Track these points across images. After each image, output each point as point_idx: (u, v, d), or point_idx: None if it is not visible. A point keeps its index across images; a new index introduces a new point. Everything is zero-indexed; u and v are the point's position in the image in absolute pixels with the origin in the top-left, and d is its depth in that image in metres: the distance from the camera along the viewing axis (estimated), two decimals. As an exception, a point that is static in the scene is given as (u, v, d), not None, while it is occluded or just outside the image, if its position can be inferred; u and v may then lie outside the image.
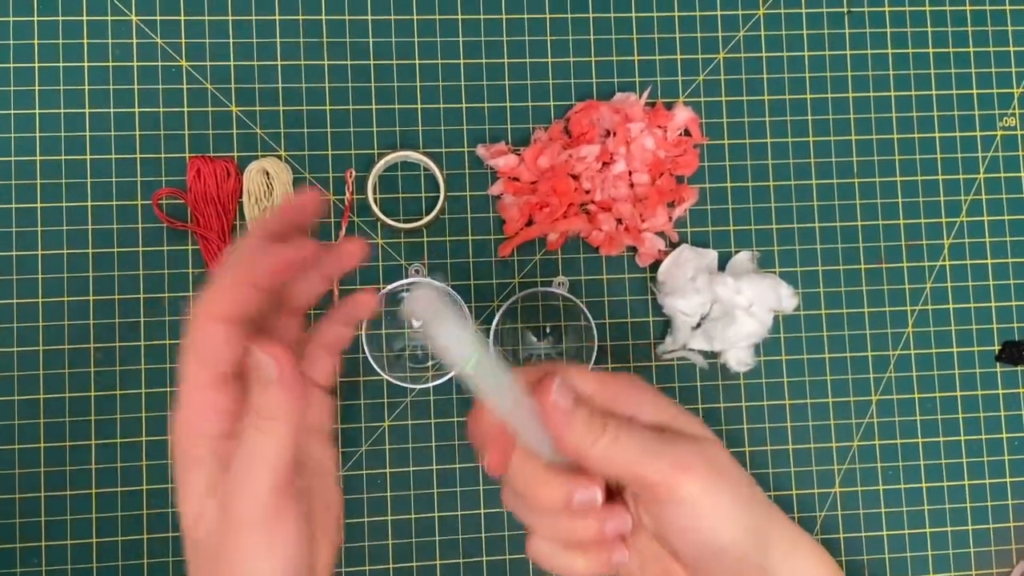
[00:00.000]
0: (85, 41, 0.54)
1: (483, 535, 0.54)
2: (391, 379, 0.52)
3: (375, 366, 0.52)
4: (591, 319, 0.54)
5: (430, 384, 0.53)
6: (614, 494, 0.35)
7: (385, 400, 0.54)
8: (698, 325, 0.55)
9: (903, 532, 0.56)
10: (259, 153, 0.54)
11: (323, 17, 0.55)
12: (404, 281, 0.53)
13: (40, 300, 0.53)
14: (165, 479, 0.53)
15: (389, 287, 0.53)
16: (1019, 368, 0.57)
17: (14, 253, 0.53)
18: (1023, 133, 0.59)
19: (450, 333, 0.28)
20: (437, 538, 0.54)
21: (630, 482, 0.33)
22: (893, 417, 0.56)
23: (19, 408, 0.52)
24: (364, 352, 0.52)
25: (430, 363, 0.54)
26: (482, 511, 0.54)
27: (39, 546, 0.52)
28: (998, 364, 0.57)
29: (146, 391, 0.53)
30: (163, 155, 0.54)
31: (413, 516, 0.54)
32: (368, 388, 0.54)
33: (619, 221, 0.55)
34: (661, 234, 0.55)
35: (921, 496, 0.56)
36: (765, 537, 0.34)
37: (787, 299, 0.55)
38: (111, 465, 0.52)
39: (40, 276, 0.53)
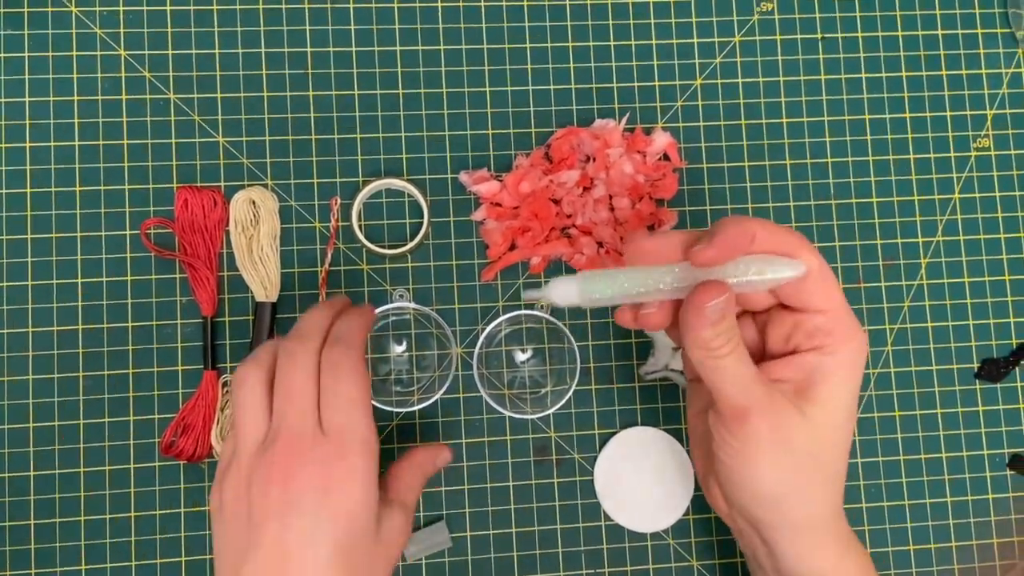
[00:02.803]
0: (75, 76, 0.55)
1: (469, 558, 0.54)
2: (377, 404, 0.53)
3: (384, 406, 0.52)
4: (573, 342, 0.54)
5: (415, 408, 0.54)
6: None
7: (371, 424, 0.55)
8: (678, 347, 0.55)
9: (887, 550, 0.56)
10: (245, 182, 0.55)
11: (308, 49, 0.57)
12: (389, 306, 0.54)
13: (30, 330, 0.53)
14: (154, 506, 0.53)
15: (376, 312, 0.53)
16: (999, 385, 0.58)
17: (4, 284, 0.54)
18: (997, 154, 0.60)
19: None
20: (424, 562, 0.54)
21: (711, 391, 0.39)
22: (875, 435, 0.57)
23: (8, 436, 0.53)
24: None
25: (415, 387, 0.55)
26: (468, 534, 0.54)
27: (28, 574, 0.52)
28: (977, 381, 0.58)
29: (134, 418, 0.53)
30: (151, 185, 0.55)
31: (400, 539, 0.54)
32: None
33: (600, 244, 0.56)
34: (642, 257, 0.56)
35: (904, 514, 0.57)
36: (786, 512, 0.41)
37: (767, 319, 0.55)
38: (100, 492, 0.53)
39: (30, 306, 0.54)
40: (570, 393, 0.54)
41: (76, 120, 0.55)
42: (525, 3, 0.58)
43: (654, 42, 0.59)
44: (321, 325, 0.42)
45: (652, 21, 0.59)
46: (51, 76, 0.55)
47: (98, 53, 0.56)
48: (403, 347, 0.55)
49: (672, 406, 0.56)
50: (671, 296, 0.39)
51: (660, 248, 0.38)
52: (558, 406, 0.54)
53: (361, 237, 0.55)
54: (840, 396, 0.39)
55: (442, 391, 0.53)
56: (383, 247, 0.55)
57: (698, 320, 0.37)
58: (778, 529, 0.42)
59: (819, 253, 0.38)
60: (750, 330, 0.42)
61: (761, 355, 0.42)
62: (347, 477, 0.38)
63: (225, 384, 0.54)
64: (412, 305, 0.54)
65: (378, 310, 0.53)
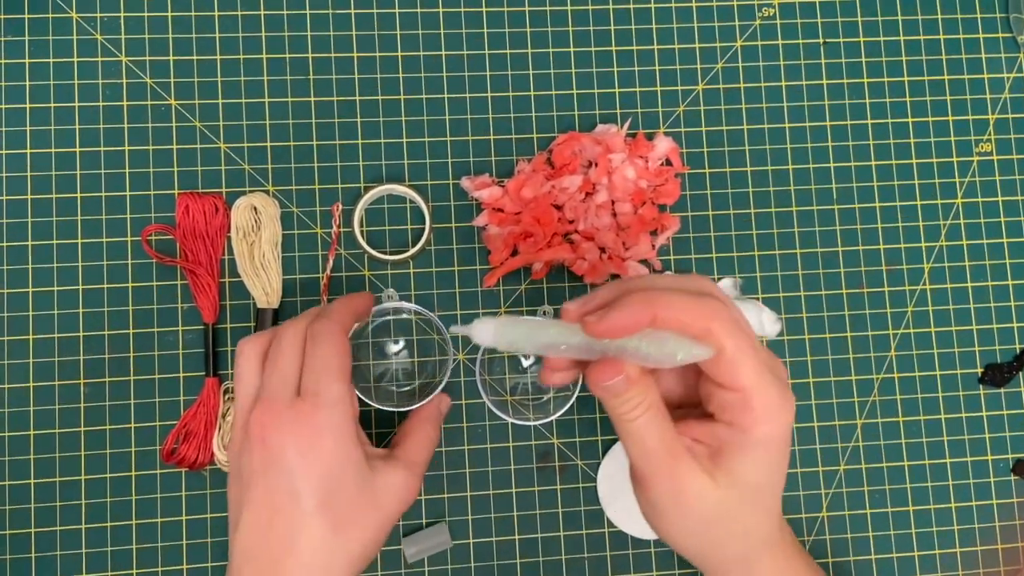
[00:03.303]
0: (76, 82, 0.55)
1: (472, 565, 0.54)
2: (381, 407, 0.53)
3: (362, 397, 0.52)
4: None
5: (417, 405, 0.52)
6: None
7: (374, 429, 0.55)
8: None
9: (891, 556, 0.56)
10: (247, 188, 0.55)
11: (309, 55, 0.56)
12: (383, 305, 0.53)
13: (30, 337, 0.53)
14: (155, 513, 0.53)
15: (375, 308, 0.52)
16: (1003, 390, 0.58)
17: (6, 291, 0.53)
18: (999, 158, 0.60)
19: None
20: (426, 569, 0.54)
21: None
22: (878, 440, 0.57)
23: (9, 443, 0.53)
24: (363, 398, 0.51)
25: (416, 383, 0.55)
26: (471, 541, 0.54)
27: (28, 582, 0.52)
28: (981, 386, 0.58)
29: (135, 425, 0.53)
30: (152, 192, 0.55)
31: (400, 546, 0.54)
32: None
33: (602, 250, 0.56)
34: (644, 262, 0.56)
35: (908, 519, 0.56)
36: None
37: (770, 324, 0.55)
38: (101, 500, 0.53)
39: (31, 313, 0.53)
40: (573, 399, 0.54)
41: (77, 126, 0.55)
42: (527, 8, 0.58)
43: (656, 47, 0.58)
44: (318, 309, 0.46)
45: (654, 26, 0.59)
46: (52, 82, 0.55)
47: (99, 59, 0.55)
48: (400, 346, 0.55)
49: (675, 412, 0.56)
50: (579, 356, 0.37)
51: (581, 309, 0.37)
52: (561, 412, 0.54)
53: (363, 243, 0.54)
54: (753, 472, 0.38)
55: (439, 389, 0.52)
56: (385, 253, 0.55)
57: (599, 393, 0.37)
58: (704, 569, 0.42)
59: (738, 327, 0.36)
60: (690, 372, 0.41)
61: (696, 401, 0.41)
62: (318, 433, 0.40)
63: (227, 391, 0.54)
64: (410, 306, 0.54)
65: (377, 307, 0.52)
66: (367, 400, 0.52)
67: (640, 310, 0.34)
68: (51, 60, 0.55)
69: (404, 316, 0.55)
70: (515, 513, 0.55)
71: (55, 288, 0.54)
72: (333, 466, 0.41)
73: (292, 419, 0.41)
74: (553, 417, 0.54)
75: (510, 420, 0.54)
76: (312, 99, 0.56)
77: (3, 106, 0.55)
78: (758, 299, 0.57)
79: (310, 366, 0.42)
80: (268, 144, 0.56)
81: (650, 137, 0.57)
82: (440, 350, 0.55)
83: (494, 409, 0.53)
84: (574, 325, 0.36)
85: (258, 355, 0.44)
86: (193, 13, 0.56)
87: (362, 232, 0.55)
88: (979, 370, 0.58)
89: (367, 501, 0.42)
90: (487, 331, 0.37)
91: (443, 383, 0.52)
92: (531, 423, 0.54)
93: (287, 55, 0.56)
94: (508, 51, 0.58)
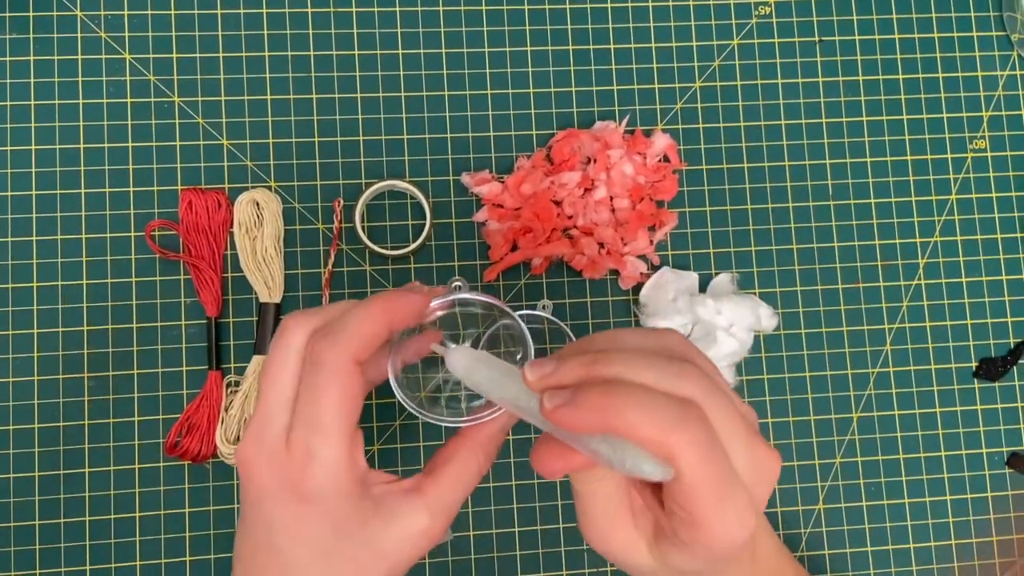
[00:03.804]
0: (80, 79, 0.56)
1: (472, 557, 0.54)
2: (423, 415, 0.39)
3: (411, 407, 0.38)
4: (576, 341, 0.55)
5: (469, 421, 0.38)
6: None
7: (374, 424, 0.55)
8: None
9: (887, 548, 0.57)
10: (249, 184, 0.56)
11: (311, 53, 0.57)
12: (446, 299, 0.40)
13: (35, 331, 0.54)
14: (158, 506, 0.53)
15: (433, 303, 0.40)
16: (997, 384, 0.58)
17: (10, 285, 0.54)
18: (993, 155, 0.60)
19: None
20: (427, 561, 0.54)
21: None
22: (874, 434, 0.57)
23: (13, 437, 0.53)
24: (399, 396, 0.39)
25: (466, 392, 0.42)
26: (471, 533, 0.55)
27: (33, 574, 0.52)
28: (976, 380, 0.58)
29: (138, 419, 0.54)
30: (155, 188, 0.55)
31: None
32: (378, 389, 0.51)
33: (601, 245, 0.56)
34: (643, 257, 0.57)
35: (904, 512, 0.57)
36: None
37: (767, 319, 0.56)
38: (104, 493, 0.53)
39: (35, 307, 0.54)
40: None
41: (81, 123, 0.55)
42: (526, 7, 0.59)
43: (654, 45, 0.59)
44: (347, 305, 0.36)
45: (651, 24, 0.59)
46: (56, 79, 0.56)
47: (103, 56, 0.56)
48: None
49: (673, 405, 0.57)
50: (534, 423, 0.33)
51: (541, 381, 0.32)
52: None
53: (364, 238, 0.55)
54: (691, 570, 0.34)
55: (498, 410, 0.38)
56: (386, 248, 0.56)
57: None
58: None
59: (708, 447, 0.30)
60: None
61: None
62: (305, 500, 0.34)
63: (229, 384, 0.54)
64: (480, 297, 0.41)
65: (435, 302, 0.40)
66: (409, 407, 0.39)
67: (594, 417, 0.30)
68: (55, 57, 0.56)
69: (473, 310, 0.44)
70: (515, 506, 0.55)
71: (59, 283, 0.54)
72: (324, 538, 0.34)
73: (278, 475, 0.34)
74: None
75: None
76: (314, 96, 0.57)
77: (8, 103, 0.55)
78: (755, 294, 0.57)
79: (301, 413, 0.34)
80: (270, 140, 0.56)
81: (648, 134, 0.58)
82: (510, 353, 0.44)
83: (431, 419, 0.39)
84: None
85: (298, 350, 0.35)
86: (196, 11, 0.57)
87: (363, 227, 0.56)
88: (974, 364, 0.59)
89: (370, 557, 0.35)
90: (460, 362, 0.35)
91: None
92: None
93: (289, 52, 0.57)
94: (508, 48, 0.58)
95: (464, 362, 0.35)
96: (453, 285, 0.44)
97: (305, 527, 0.34)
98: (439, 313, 0.41)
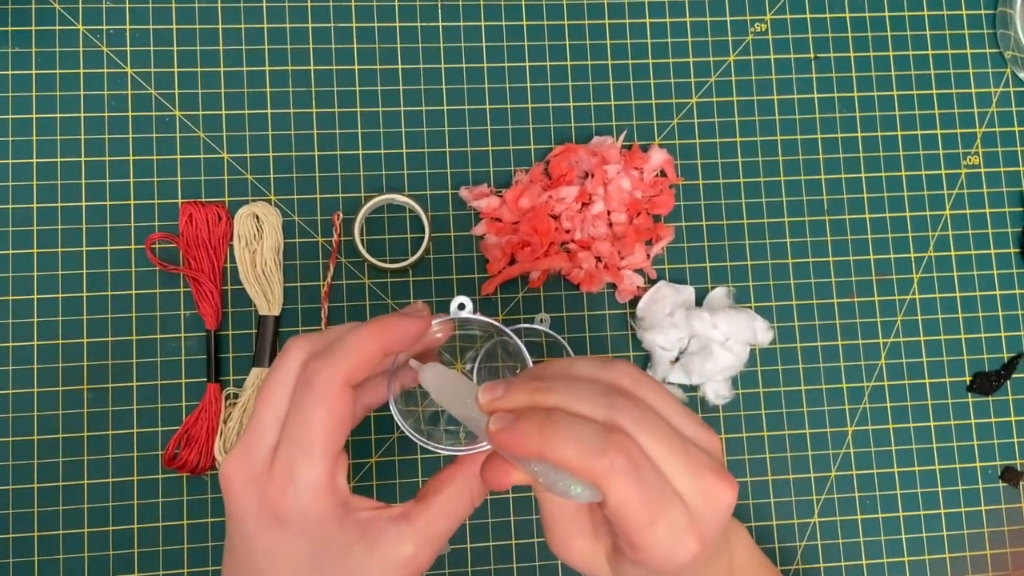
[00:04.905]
0: (81, 93, 0.56)
1: (469, 569, 0.55)
2: (434, 448, 0.39)
3: (409, 432, 0.39)
4: (572, 354, 0.55)
5: (467, 450, 0.38)
6: None
7: (373, 436, 0.55)
8: (676, 359, 0.56)
9: (882, 561, 0.57)
10: (249, 198, 0.56)
11: (311, 67, 0.58)
12: (445, 319, 0.40)
13: (35, 343, 0.54)
14: (157, 518, 0.53)
15: (434, 321, 0.40)
16: (990, 398, 0.59)
17: (11, 297, 0.54)
18: (987, 171, 0.61)
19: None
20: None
21: None
22: (869, 447, 0.58)
23: (13, 449, 0.53)
24: (397, 420, 0.39)
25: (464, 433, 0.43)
26: (468, 546, 0.55)
27: (31, 586, 0.52)
28: (970, 395, 0.59)
29: (138, 431, 0.54)
30: (156, 201, 0.56)
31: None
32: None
33: (598, 259, 0.57)
34: (639, 271, 0.57)
35: (899, 525, 0.57)
36: None
37: (763, 333, 0.56)
38: (103, 504, 0.53)
39: (35, 319, 0.54)
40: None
41: (82, 136, 0.56)
42: (525, 23, 0.59)
43: (651, 61, 0.60)
44: (351, 327, 0.36)
45: (649, 41, 0.60)
46: (58, 93, 0.56)
47: (104, 71, 0.56)
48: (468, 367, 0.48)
49: (669, 419, 0.57)
50: (485, 440, 0.35)
51: (491, 402, 0.34)
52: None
53: (363, 252, 0.55)
54: None
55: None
56: (385, 261, 0.56)
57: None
58: None
59: (631, 472, 0.31)
60: None
61: None
62: (285, 525, 0.34)
63: (228, 397, 0.54)
64: (478, 317, 0.41)
65: (435, 322, 0.39)
66: (408, 432, 0.39)
67: (529, 443, 0.31)
68: (57, 71, 0.56)
69: (470, 330, 0.46)
70: (512, 518, 0.55)
71: (60, 295, 0.54)
72: (303, 563, 0.34)
73: (256, 495, 0.34)
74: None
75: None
76: (314, 110, 0.57)
77: (10, 116, 0.56)
78: (751, 308, 0.58)
79: (288, 432, 0.34)
80: (270, 154, 0.57)
81: (645, 149, 0.58)
82: (510, 368, 0.47)
83: (434, 448, 0.40)
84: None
85: (296, 371, 0.35)
86: (197, 26, 0.57)
87: (362, 241, 0.56)
88: (967, 378, 0.59)
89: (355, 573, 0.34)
90: (430, 379, 0.36)
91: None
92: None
93: (290, 67, 0.57)
94: (506, 64, 0.59)
95: (433, 379, 0.36)
96: (457, 304, 0.42)
97: (284, 550, 0.34)
98: (439, 335, 0.41)
